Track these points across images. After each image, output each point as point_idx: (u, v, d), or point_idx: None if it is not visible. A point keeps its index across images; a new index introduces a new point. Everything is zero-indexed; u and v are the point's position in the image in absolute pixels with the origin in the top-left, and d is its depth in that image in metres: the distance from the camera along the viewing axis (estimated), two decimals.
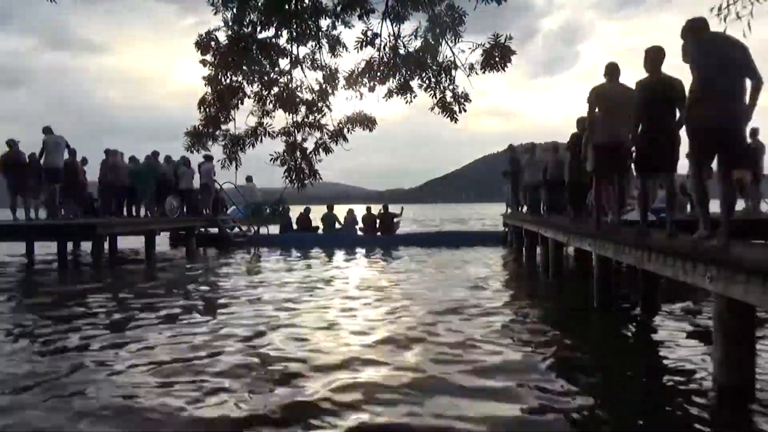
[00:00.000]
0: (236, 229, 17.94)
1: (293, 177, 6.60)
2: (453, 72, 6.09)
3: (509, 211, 15.72)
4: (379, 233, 17.29)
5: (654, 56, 5.36)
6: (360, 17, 6.22)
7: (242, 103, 6.46)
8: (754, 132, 11.47)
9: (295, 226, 17.92)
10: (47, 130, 12.78)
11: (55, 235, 11.98)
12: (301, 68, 6.53)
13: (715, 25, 4.54)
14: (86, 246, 12.94)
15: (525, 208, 14.07)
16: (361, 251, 14.89)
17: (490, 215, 36.87)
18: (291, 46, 6.40)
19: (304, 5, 6.14)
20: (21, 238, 13.12)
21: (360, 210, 18.23)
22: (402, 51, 6.20)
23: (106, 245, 12.76)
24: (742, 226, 9.52)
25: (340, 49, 6.46)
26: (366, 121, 6.52)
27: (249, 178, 18.40)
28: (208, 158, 14.95)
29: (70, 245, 13.15)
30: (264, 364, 4.56)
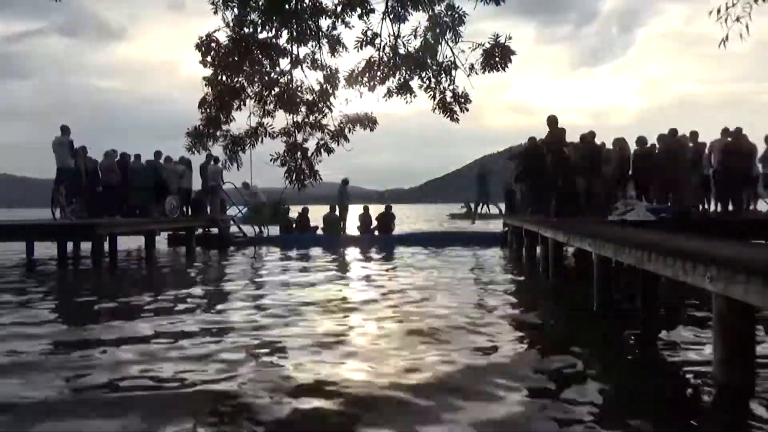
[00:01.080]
0: (236, 229, 17.95)
1: (294, 177, 6.62)
2: (453, 72, 6.10)
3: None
4: (376, 232, 17.32)
5: (553, 119, 10.38)
6: (360, 17, 6.23)
7: (245, 104, 6.48)
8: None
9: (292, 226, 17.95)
10: (60, 130, 13.01)
11: (54, 235, 11.98)
12: (302, 68, 6.54)
13: (715, 28, 4.56)
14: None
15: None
16: (358, 250, 14.89)
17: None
18: (291, 46, 6.41)
19: (304, 5, 6.15)
20: (21, 238, 13.12)
21: (357, 209, 18.24)
22: (402, 51, 6.20)
23: (106, 245, 12.72)
24: (742, 226, 9.53)
25: (341, 49, 6.47)
26: (367, 121, 6.52)
27: (246, 185, 18.32)
28: (215, 159, 14.92)
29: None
30: (268, 365, 4.56)
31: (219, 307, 7.12)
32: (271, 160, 6.52)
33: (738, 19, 4.43)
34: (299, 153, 6.57)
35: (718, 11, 4.47)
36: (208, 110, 6.43)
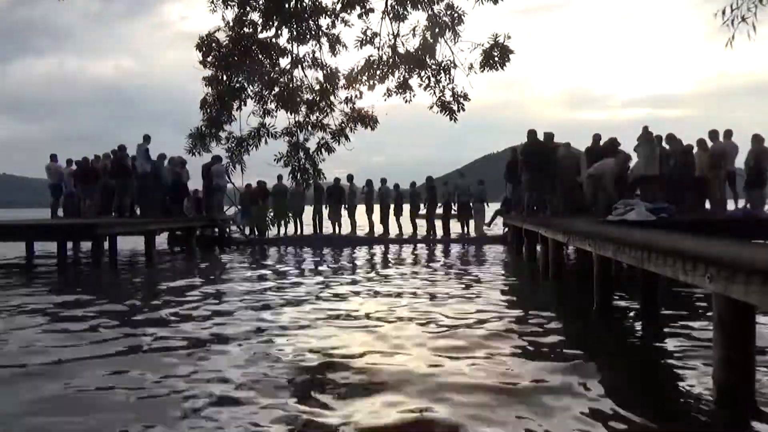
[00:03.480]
0: (236, 229, 17.95)
1: (298, 177, 6.63)
2: (452, 71, 6.10)
3: None
4: None
5: (531, 132, 11.83)
6: (359, 16, 6.23)
7: (245, 104, 6.48)
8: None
9: None
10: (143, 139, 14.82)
11: (54, 235, 11.97)
12: (302, 68, 6.54)
13: (720, 29, 4.54)
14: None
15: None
16: (354, 249, 14.89)
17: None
18: (291, 46, 6.41)
19: (304, 4, 6.14)
20: (21, 238, 13.12)
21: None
22: (401, 50, 6.20)
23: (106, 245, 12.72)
24: (743, 226, 9.50)
25: (340, 48, 6.47)
26: (367, 120, 6.51)
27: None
28: (218, 158, 14.96)
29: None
30: (272, 366, 4.56)
31: (219, 306, 7.11)
32: (275, 161, 6.52)
33: (744, 19, 4.41)
34: (302, 152, 6.57)
35: (723, 12, 4.45)
36: (209, 111, 6.44)
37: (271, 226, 17.85)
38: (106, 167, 14.89)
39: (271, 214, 17.75)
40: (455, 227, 17.62)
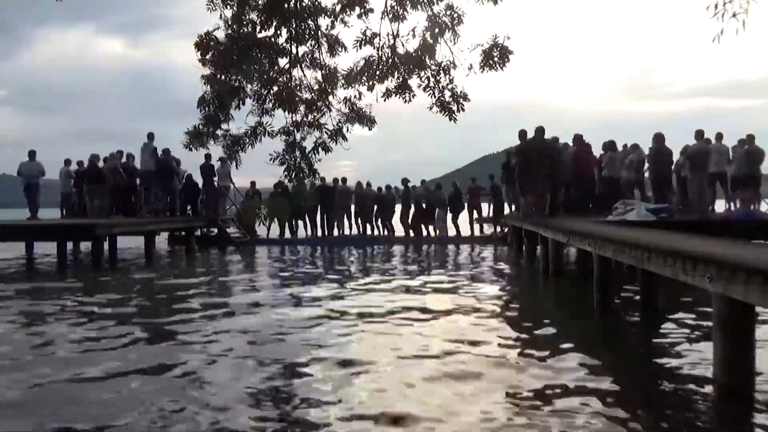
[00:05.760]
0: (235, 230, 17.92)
1: (292, 176, 6.60)
2: (452, 72, 6.08)
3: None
4: None
5: (522, 132, 11.09)
6: (359, 16, 6.22)
7: (243, 104, 6.45)
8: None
9: None
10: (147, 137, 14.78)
11: (54, 235, 11.97)
12: (300, 67, 6.52)
13: (712, 24, 4.53)
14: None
15: None
16: (353, 250, 14.90)
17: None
18: (290, 46, 6.39)
19: (303, 4, 6.13)
20: (21, 238, 13.11)
21: None
22: (401, 50, 6.19)
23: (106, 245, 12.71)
24: (742, 226, 9.49)
25: (339, 49, 6.45)
26: (365, 119, 6.48)
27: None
28: (223, 160, 14.95)
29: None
30: (271, 365, 4.56)
31: (219, 306, 7.11)
32: (270, 160, 6.49)
33: (735, 15, 4.41)
34: (297, 152, 6.55)
35: (716, 6, 4.45)
36: (207, 109, 6.41)
37: (263, 224, 17.87)
38: (116, 168, 14.89)
39: (265, 211, 17.76)
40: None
